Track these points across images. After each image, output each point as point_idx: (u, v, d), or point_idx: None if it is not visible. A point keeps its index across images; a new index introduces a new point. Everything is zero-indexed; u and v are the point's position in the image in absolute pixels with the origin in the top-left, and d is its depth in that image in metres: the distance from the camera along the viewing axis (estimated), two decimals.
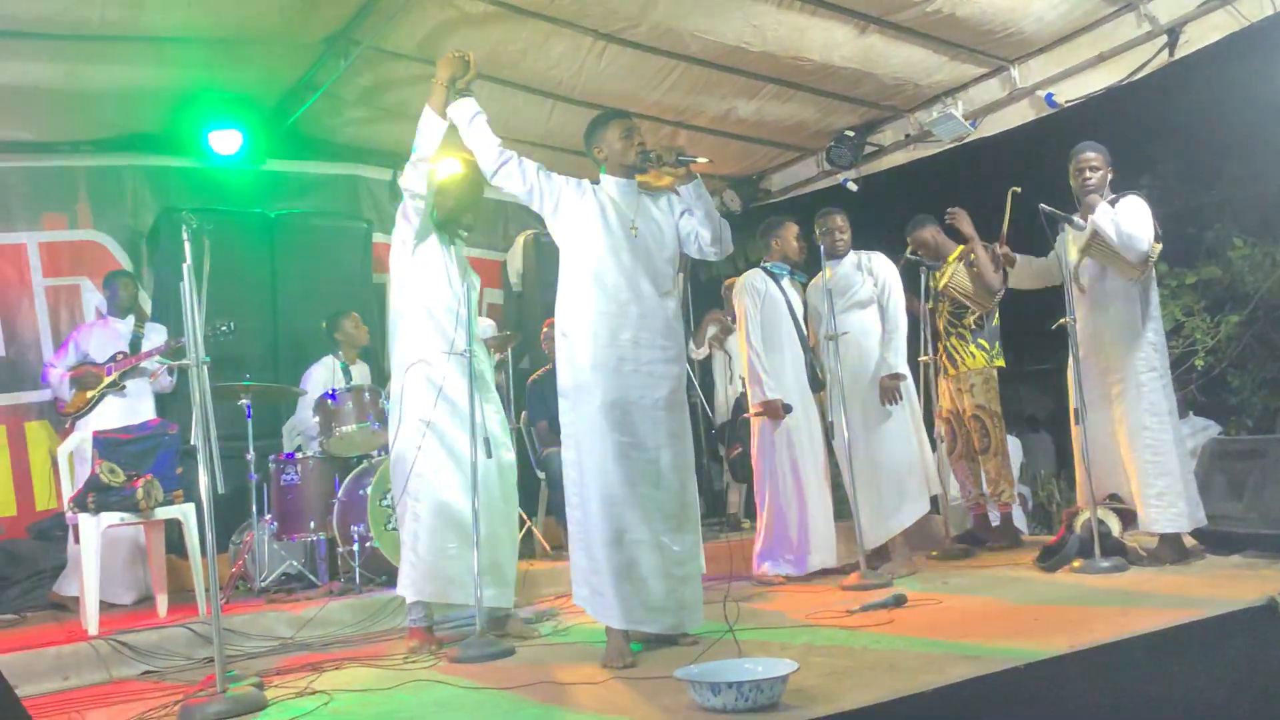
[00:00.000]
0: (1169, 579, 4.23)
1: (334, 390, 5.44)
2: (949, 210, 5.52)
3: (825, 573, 5.19)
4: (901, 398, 5.24)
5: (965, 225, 5.49)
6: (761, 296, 5.31)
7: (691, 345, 7.14)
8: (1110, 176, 4.77)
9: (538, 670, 3.46)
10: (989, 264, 5.47)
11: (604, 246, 3.68)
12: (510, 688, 3.21)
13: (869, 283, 5.34)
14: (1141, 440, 4.58)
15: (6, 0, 4.60)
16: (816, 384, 5.32)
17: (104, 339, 5.72)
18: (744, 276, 5.45)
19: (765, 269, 5.42)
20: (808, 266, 5.54)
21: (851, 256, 5.42)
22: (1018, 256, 5.11)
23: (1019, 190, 4.83)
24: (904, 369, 5.27)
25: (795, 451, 5.21)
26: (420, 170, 3.99)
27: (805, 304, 5.48)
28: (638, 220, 3.74)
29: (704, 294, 7.86)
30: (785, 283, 5.39)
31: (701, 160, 3.69)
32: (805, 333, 5.38)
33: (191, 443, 3.39)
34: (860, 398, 5.17)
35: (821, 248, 5.27)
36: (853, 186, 7.04)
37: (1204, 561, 4.57)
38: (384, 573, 5.09)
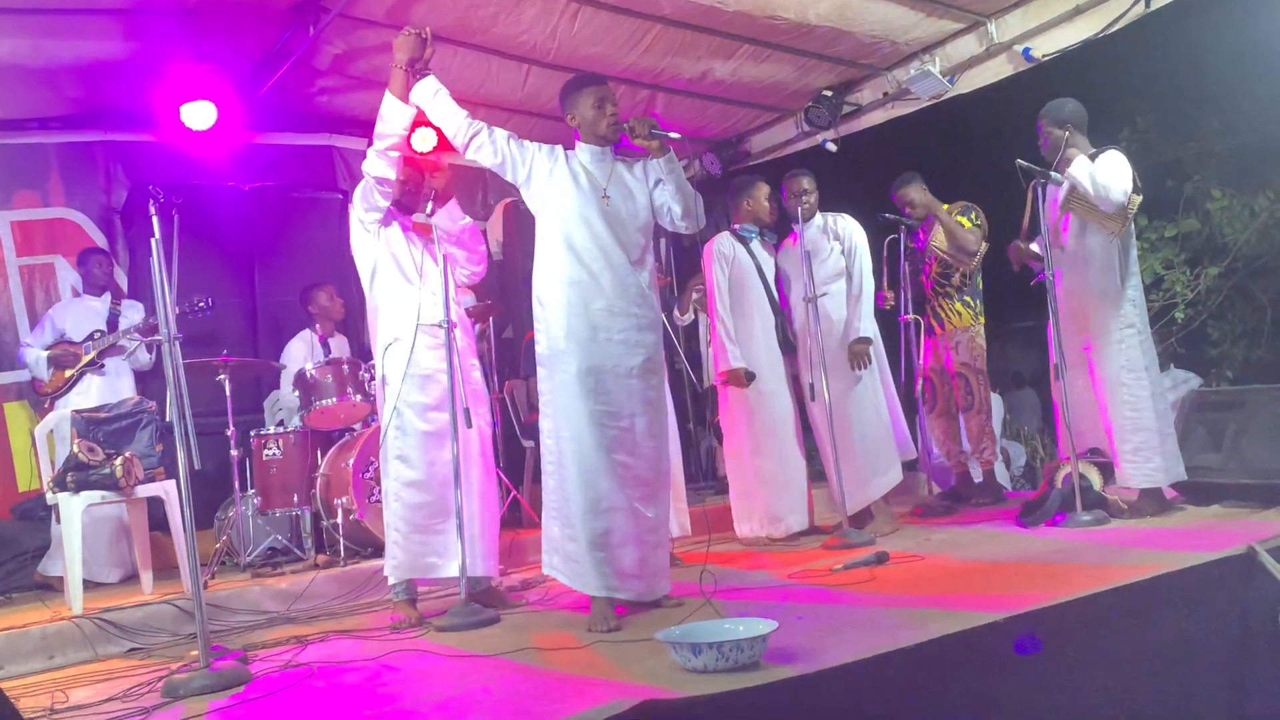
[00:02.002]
0: (1149, 531, 4.26)
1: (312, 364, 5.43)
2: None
3: (809, 532, 5.22)
4: (871, 362, 5.21)
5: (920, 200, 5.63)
6: (730, 261, 5.29)
7: (676, 312, 7.11)
8: (1067, 135, 4.73)
9: (522, 636, 3.48)
10: (954, 227, 5.50)
11: (576, 214, 3.66)
12: (494, 654, 3.22)
13: (836, 249, 5.30)
14: (1119, 396, 4.59)
15: None
16: (788, 346, 5.31)
17: (80, 317, 5.68)
18: (714, 241, 5.42)
19: (734, 232, 5.40)
20: (776, 228, 5.52)
21: (818, 219, 5.37)
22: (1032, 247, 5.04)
23: (1042, 182, 4.70)
24: (871, 333, 5.24)
25: (766, 415, 5.21)
26: (388, 157, 3.95)
27: (776, 267, 5.47)
28: (610, 188, 3.72)
29: (689, 259, 7.82)
30: (755, 245, 5.37)
31: (674, 136, 3.67)
32: (775, 296, 5.36)
33: (168, 419, 3.36)
34: (831, 367, 5.10)
35: (793, 209, 5.24)
36: (832, 147, 6.98)
37: (1184, 513, 4.60)
38: (369, 545, 5.10)
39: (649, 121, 3.65)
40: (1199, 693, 3.25)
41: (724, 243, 5.35)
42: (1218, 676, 3.30)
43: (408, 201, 4.18)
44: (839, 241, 5.31)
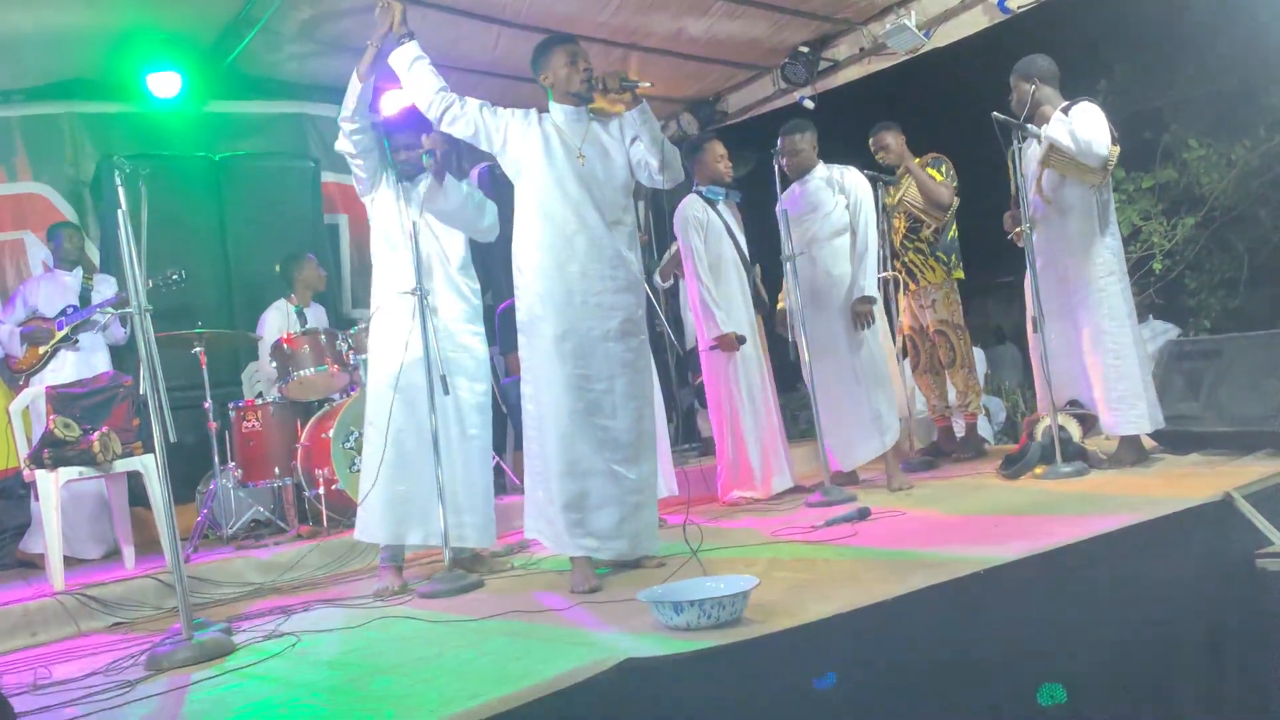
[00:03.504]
0: (1129, 480, 4.29)
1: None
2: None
3: (792, 491, 5.23)
4: (874, 321, 5.11)
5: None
6: (704, 226, 5.23)
7: (657, 277, 7.09)
8: (1034, 90, 4.70)
9: (506, 600, 3.48)
10: (926, 180, 5.47)
11: (549, 178, 3.62)
12: (477, 618, 3.22)
13: (840, 203, 5.15)
14: (1102, 345, 4.60)
15: None
16: (761, 305, 5.28)
17: (52, 292, 5.61)
18: (684, 206, 5.34)
19: (701, 194, 5.32)
20: (761, 186, 5.46)
21: (822, 170, 5.24)
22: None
23: (1020, 140, 4.66)
24: (875, 292, 5.13)
25: (746, 378, 5.20)
26: (344, 130, 3.96)
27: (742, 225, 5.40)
28: (585, 147, 3.68)
29: (668, 221, 7.77)
30: (721, 206, 5.31)
31: (645, 85, 3.61)
32: (747, 255, 5.32)
33: (143, 393, 3.33)
34: (830, 325, 5.06)
35: (783, 165, 5.17)
36: (809, 104, 6.95)
37: (1163, 461, 4.63)
38: (352, 514, 5.06)
39: (618, 74, 3.60)
40: (1179, 638, 3.27)
41: (694, 207, 5.27)
42: (1197, 621, 3.33)
43: (407, 168, 4.16)
44: (844, 195, 5.17)
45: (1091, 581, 3.12)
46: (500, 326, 6.27)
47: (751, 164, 7.71)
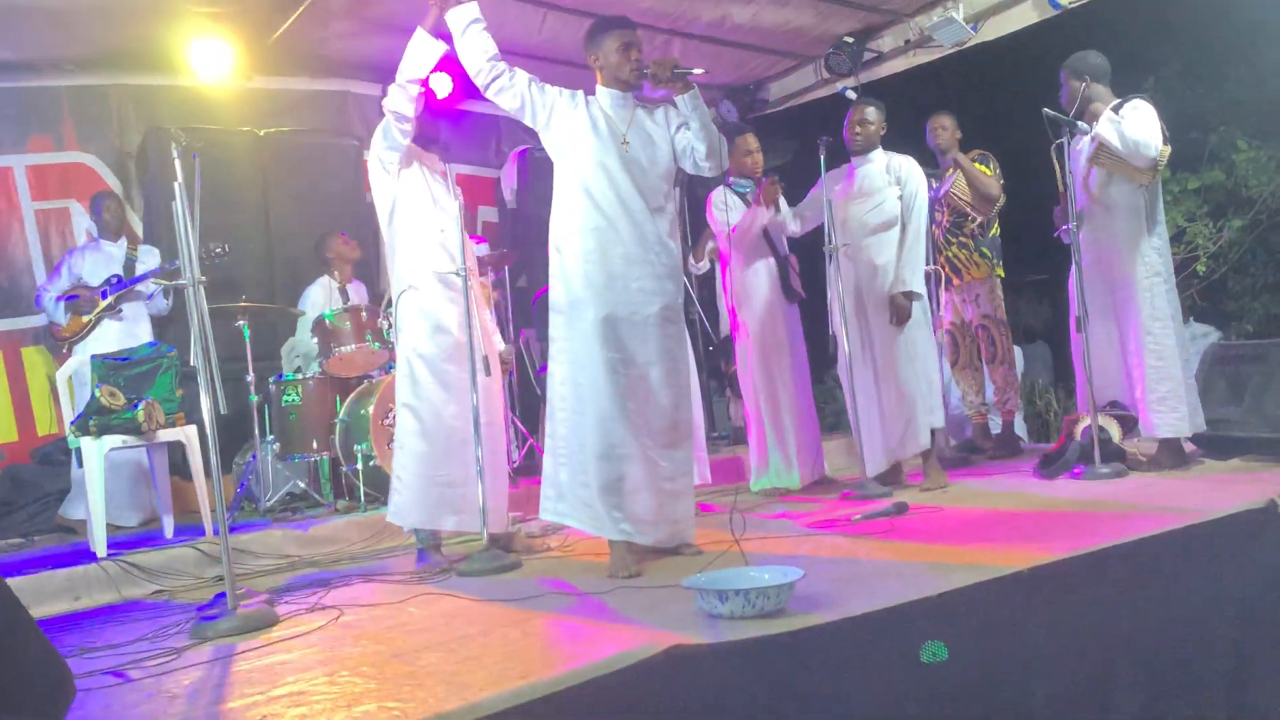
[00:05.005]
0: (1169, 483, 4.27)
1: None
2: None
3: (822, 483, 5.22)
4: (910, 316, 4.91)
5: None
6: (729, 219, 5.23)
7: (691, 260, 7.08)
8: (1085, 87, 4.66)
9: (545, 582, 3.51)
10: (976, 174, 5.43)
11: (594, 160, 3.63)
12: (519, 598, 3.24)
13: (895, 193, 4.97)
14: (1145, 346, 4.57)
15: None
16: (792, 294, 5.23)
17: (96, 262, 5.67)
18: (713, 197, 5.31)
19: (730, 186, 5.28)
20: (801, 175, 5.41)
21: (881, 156, 5.07)
22: None
23: (1068, 136, 4.62)
24: (920, 287, 4.97)
25: (779, 369, 5.18)
26: (409, 93, 3.90)
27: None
28: (630, 134, 3.68)
29: (702, 208, 7.76)
30: (750, 197, 5.25)
31: (698, 72, 3.61)
32: (776, 246, 5.25)
33: (191, 363, 3.36)
34: (872, 319, 4.96)
35: (848, 138, 5.12)
36: (852, 95, 6.90)
37: (1203, 466, 4.60)
38: (389, 491, 5.11)
39: (670, 62, 3.59)
40: (1218, 643, 3.26)
41: (719, 199, 5.25)
42: (1233, 628, 3.31)
43: (428, 131, 4.15)
44: (899, 186, 5.00)
45: (1134, 584, 3.11)
46: (539, 311, 6.28)
47: (789, 155, 7.68)
